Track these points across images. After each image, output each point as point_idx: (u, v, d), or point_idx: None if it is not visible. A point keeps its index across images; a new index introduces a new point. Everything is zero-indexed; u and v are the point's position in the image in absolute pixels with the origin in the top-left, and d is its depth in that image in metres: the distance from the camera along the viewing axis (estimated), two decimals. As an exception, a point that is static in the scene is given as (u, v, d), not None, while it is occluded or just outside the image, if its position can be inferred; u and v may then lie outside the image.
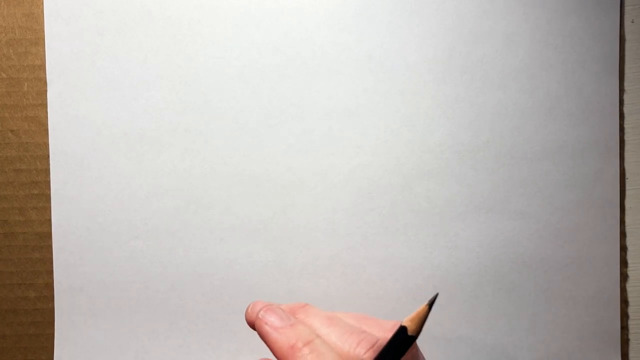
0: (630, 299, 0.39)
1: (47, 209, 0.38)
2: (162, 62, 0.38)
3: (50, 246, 0.38)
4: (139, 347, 0.38)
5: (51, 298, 0.38)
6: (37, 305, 0.38)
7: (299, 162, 0.38)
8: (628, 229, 0.39)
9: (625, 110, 0.38)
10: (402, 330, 0.24)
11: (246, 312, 0.28)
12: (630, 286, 0.39)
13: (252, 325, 0.27)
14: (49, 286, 0.38)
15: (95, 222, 0.38)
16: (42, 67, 0.38)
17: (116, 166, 0.38)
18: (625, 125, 0.38)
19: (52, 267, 0.38)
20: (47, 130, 0.38)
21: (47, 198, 0.38)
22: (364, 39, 0.38)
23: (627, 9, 0.38)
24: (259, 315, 0.26)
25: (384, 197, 0.38)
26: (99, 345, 0.38)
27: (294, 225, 0.38)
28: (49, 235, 0.38)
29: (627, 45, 0.38)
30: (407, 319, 0.24)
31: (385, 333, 0.26)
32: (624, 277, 0.39)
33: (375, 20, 0.38)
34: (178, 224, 0.38)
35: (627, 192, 0.39)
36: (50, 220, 0.38)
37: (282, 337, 0.24)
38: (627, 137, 0.38)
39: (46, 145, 0.38)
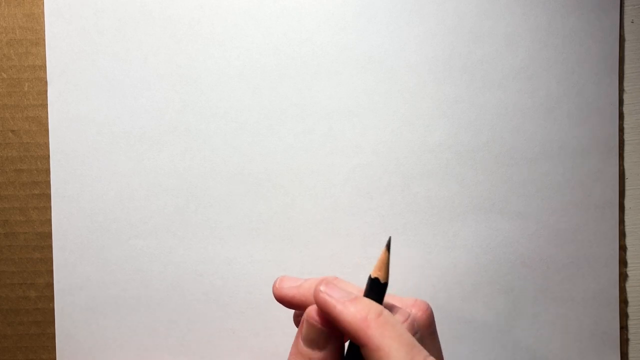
0: (629, 299, 0.39)
1: (48, 208, 0.38)
2: (162, 62, 0.38)
3: (51, 246, 0.38)
4: (139, 346, 0.38)
5: (52, 297, 0.38)
6: (38, 305, 0.38)
7: (299, 162, 0.38)
8: (627, 229, 0.39)
9: (625, 110, 0.38)
10: (374, 281, 0.25)
11: (274, 286, 0.28)
12: (629, 286, 0.39)
13: (281, 299, 0.28)
14: (50, 286, 0.38)
15: (96, 222, 0.38)
16: (43, 67, 0.38)
17: (116, 166, 0.38)
18: (625, 125, 0.38)
19: (53, 266, 0.38)
20: (47, 130, 0.38)
21: (48, 198, 0.38)
22: (364, 39, 0.38)
23: (627, 9, 0.38)
24: (321, 289, 0.25)
25: (383, 197, 0.38)
26: (99, 345, 0.38)
27: (294, 225, 0.38)
28: (49, 235, 0.38)
29: (627, 45, 0.38)
30: (375, 270, 0.25)
31: (408, 309, 0.26)
32: (623, 277, 0.39)
33: (375, 20, 0.38)
34: (178, 223, 0.38)
35: (627, 192, 0.39)
36: (50, 220, 0.38)
37: (351, 309, 0.24)
38: (627, 137, 0.38)
39: (47, 145, 0.38)
